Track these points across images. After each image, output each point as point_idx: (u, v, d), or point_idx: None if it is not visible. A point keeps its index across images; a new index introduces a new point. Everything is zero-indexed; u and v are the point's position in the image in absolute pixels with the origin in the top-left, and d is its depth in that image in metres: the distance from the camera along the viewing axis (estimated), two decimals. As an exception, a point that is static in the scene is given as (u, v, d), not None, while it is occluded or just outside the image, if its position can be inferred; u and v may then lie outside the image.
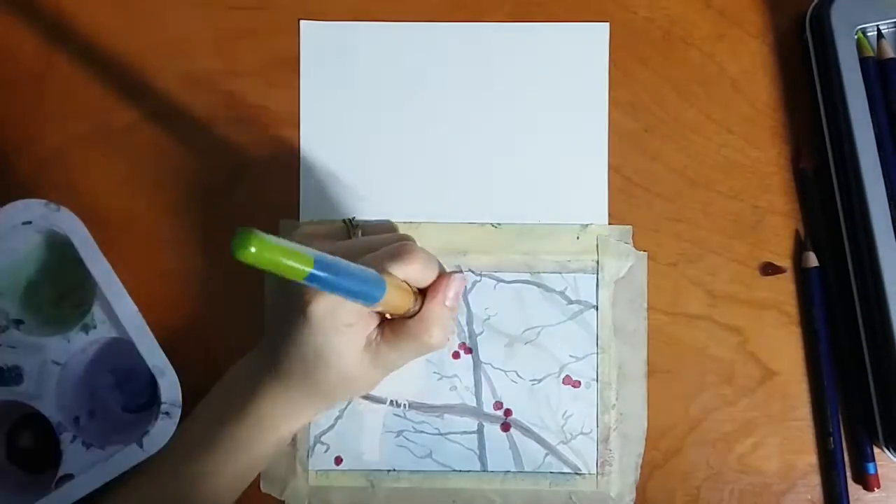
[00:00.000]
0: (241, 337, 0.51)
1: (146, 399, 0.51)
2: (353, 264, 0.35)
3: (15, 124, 0.52)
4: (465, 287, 0.51)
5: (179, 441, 0.45)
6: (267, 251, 0.28)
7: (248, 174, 0.52)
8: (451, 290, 0.42)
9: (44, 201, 0.46)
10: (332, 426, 0.51)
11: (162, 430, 0.46)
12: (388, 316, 0.43)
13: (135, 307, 0.46)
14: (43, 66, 0.52)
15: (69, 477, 0.46)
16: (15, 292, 0.50)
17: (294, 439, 0.50)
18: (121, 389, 0.51)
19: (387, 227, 0.48)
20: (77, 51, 0.52)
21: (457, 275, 0.42)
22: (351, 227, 0.44)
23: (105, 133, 0.52)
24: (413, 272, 0.40)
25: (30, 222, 0.46)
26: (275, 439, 0.45)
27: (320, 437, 0.50)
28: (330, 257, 0.33)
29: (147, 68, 0.52)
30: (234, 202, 0.52)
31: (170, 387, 0.46)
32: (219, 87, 0.52)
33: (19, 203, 0.46)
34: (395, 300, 0.39)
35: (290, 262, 0.30)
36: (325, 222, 0.50)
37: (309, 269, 0.31)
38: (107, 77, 0.52)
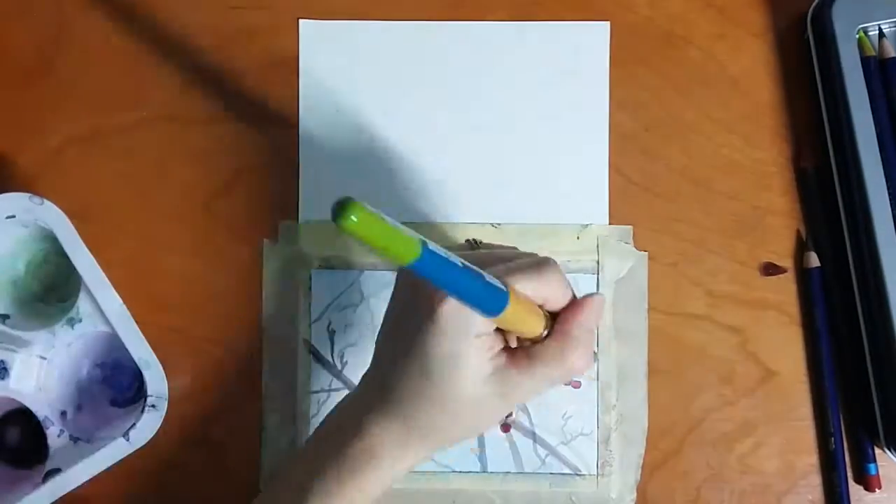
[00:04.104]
0: (239, 338, 0.51)
1: (133, 393, 0.51)
2: (469, 264, 0.31)
3: (14, 124, 0.52)
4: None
5: (274, 487, 0.40)
6: (369, 224, 0.28)
7: (247, 174, 0.52)
8: (595, 310, 0.37)
9: (27, 195, 0.46)
10: (331, 426, 0.51)
11: (149, 423, 0.46)
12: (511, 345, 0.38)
13: (119, 300, 0.46)
14: (42, 65, 0.52)
15: (57, 471, 0.47)
16: (1, 287, 0.50)
17: (294, 440, 0.50)
18: (108, 383, 0.51)
19: (513, 251, 0.41)
20: (77, 51, 0.52)
21: (597, 295, 0.37)
22: (476, 246, 0.40)
23: (104, 133, 0.52)
24: (551, 291, 0.36)
25: (13, 216, 0.46)
26: (378, 484, 0.38)
27: (320, 437, 0.50)
28: (442, 249, 0.30)
29: (147, 68, 0.52)
30: (234, 202, 0.51)
31: (156, 379, 0.46)
32: (219, 87, 0.52)
33: (2, 197, 0.46)
34: (524, 317, 0.35)
35: (394, 241, 0.28)
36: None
37: (416, 252, 0.29)
38: (106, 77, 0.52)
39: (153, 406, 0.46)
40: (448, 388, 0.35)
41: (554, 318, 0.37)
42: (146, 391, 0.46)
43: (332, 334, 0.51)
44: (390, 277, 0.51)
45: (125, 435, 0.46)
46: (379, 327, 0.40)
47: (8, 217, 0.46)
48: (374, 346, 0.40)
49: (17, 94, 0.52)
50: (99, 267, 0.46)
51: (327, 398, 0.51)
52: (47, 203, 0.46)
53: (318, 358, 0.51)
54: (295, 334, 0.51)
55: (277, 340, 0.51)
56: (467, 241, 0.39)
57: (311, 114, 0.52)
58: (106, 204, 0.51)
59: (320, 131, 0.52)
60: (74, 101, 0.52)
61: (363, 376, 0.40)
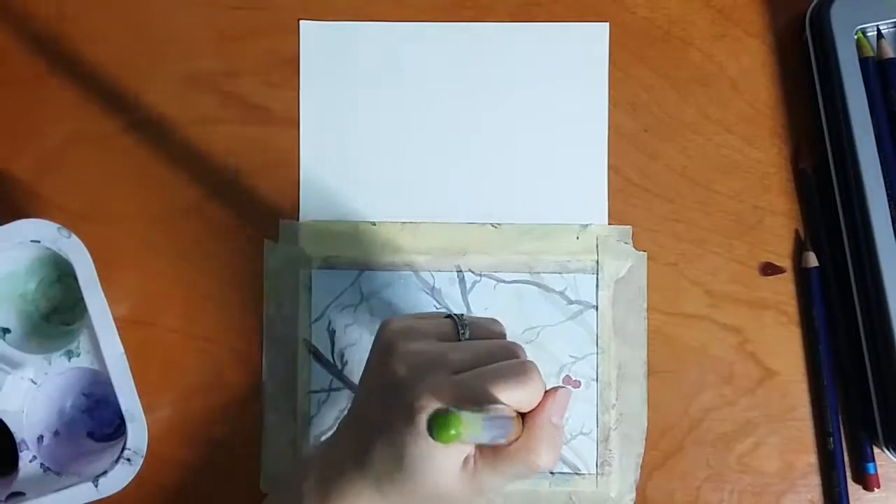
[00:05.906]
0: (239, 338, 0.51)
1: (113, 430, 0.51)
2: (499, 416, 0.35)
3: (13, 124, 0.52)
4: (466, 287, 0.51)
5: None
6: (462, 431, 0.30)
7: (247, 174, 0.52)
8: (559, 405, 0.38)
9: (56, 225, 0.46)
10: (332, 426, 0.51)
11: (120, 475, 0.46)
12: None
13: (121, 348, 0.46)
14: (42, 66, 0.52)
15: (21, 495, 0.46)
16: (9, 300, 0.50)
17: (294, 440, 0.50)
18: (90, 414, 0.51)
19: (493, 327, 0.43)
20: (76, 51, 0.52)
21: (562, 389, 0.38)
22: (460, 325, 0.41)
23: (105, 133, 0.52)
24: (529, 396, 0.37)
25: (38, 241, 0.46)
26: None
27: (320, 437, 0.50)
28: (490, 417, 0.34)
29: (147, 68, 0.52)
30: (235, 202, 0.52)
31: (138, 434, 0.46)
32: (219, 87, 0.52)
33: (33, 222, 0.46)
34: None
35: (470, 434, 0.31)
36: (430, 315, 0.42)
37: (479, 437, 0.33)
38: (106, 77, 0.52)
39: (128, 460, 0.46)
40: (420, 480, 0.37)
41: (523, 415, 0.38)
42: (125, 442, 0.46)
43: (332, 334, 0.51)
44: (390, 277, 0.51)
45: (94, 481, 0.46)
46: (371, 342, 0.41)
47: (32, 241, 0.46)
48: (357, 390, 0.42)
49: (17, 95, 0.52)
50: (109, 311, 0.46)
51: (327, 398, 0.51)
52: (74, 238, 0.46)
53: (318, 358, 0.51)
54: (295, 334, 0.51)
55: (277, 340, 0.51)
56: (451, 316, 0.41)
57: (312, 114, 0.52)
58: (105, 204, 0.51)
59: (320, 131, 0.52)
60: (74, 102, 0.52)
61: (342, 424, 0.41)
